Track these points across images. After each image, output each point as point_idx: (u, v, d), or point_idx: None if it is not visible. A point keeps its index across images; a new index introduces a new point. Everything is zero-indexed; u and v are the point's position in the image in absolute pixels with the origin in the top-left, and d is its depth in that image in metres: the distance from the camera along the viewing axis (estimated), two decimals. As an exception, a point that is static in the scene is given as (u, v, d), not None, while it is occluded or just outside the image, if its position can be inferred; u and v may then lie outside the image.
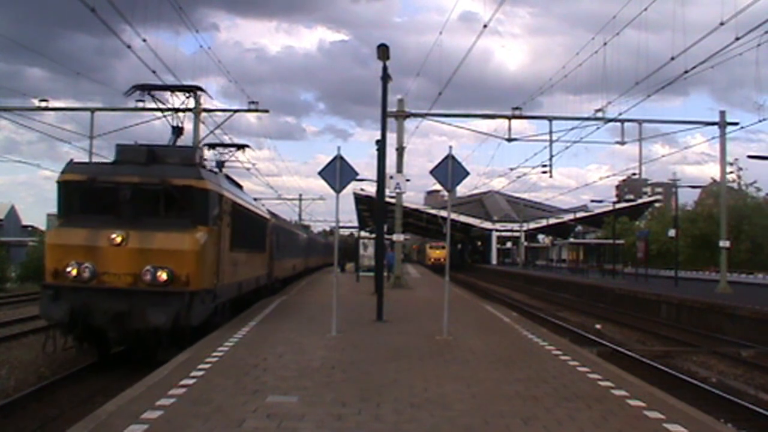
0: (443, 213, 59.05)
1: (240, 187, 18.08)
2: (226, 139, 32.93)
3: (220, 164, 19.63)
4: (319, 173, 13.50)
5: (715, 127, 30.57)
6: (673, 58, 22.11)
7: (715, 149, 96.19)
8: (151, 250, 11.48)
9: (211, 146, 21.41)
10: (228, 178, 16.68)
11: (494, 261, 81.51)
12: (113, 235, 11.41)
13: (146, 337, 11.49)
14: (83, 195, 12.00)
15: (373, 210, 58.06)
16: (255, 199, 21.77)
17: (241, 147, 21.14)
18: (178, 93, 14.42)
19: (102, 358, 12.28)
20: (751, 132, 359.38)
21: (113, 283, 11.40)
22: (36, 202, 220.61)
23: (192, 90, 14.56)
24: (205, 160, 16.34)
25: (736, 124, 30.89)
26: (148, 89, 14.09)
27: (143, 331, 11.33)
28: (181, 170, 12.35)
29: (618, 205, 64.36)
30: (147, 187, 11.92)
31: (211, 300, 12.66)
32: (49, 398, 10.05)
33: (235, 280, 15.16)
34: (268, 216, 23.24)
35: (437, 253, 79.19)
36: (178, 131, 14.44)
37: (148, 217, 11.82)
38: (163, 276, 11.36)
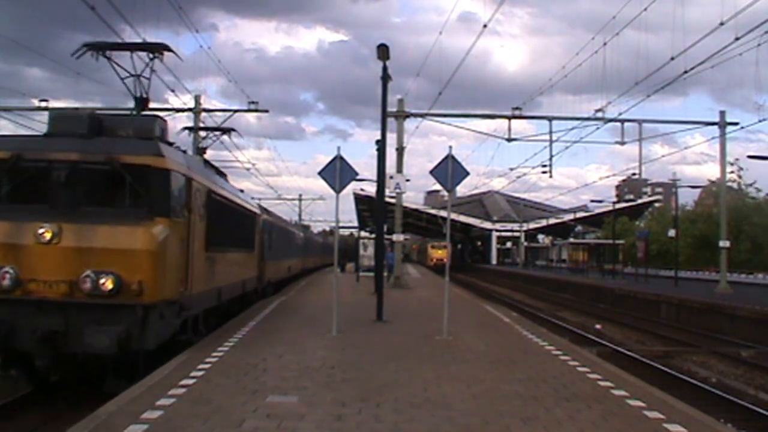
0: (443, 213, 59.06)
1: (223, 175, 16.00)
2: (226, 140, 32.34)
3: (201, 150, 17.14)
4: (319, 173, 13.51)
5: (715, 127, 30.64)
6: (672, 58, 22.16)
7: (715, 149, 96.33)
8: (92, 250, 8.93)
9: (191, 129, 18.84)
10: (206, 162, 14.44)
11: (494, 261, 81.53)
12: (42, 230, 8.85)
13: (86, 365, 9.16)
14: (5, 177, 9.40)
15: (373, 210, 58.07)
16: (241, 191, 19.29)
17: (226, 131, 19.29)
18: (138, 53, 11.55)
19: (39, 389, 9.82)
20: (750, 132, 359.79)
21: (42, 294, 8.84)
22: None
23: (155, 49, 11.61)
24: (188, 151, 14.25)
25: (736, 124, 30.98)
26: (100, 49, 11.24)
27: (81, 357, 8.91)
28: (135, 145, 9.71)
29: (618, 205, 64.38)
30: (88, 167, 9.33)
31: (176, 314, 10.11)
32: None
33: (212, 285, 12.68)
34: (257, 210, 21.11)
35: (440, 253, 73.91)
36: (141, 102, 11.46)
37: (90, 205, 9.28)
38: (107, 284, 8.81)
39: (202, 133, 20.49)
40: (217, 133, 19.13)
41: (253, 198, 23.65)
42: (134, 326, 8.88)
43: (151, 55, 11.50)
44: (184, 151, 11.76)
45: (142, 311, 8.96)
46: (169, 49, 11.77)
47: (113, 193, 9.53)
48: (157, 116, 11.04)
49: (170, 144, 10.89)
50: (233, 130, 19.79)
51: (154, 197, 9.50)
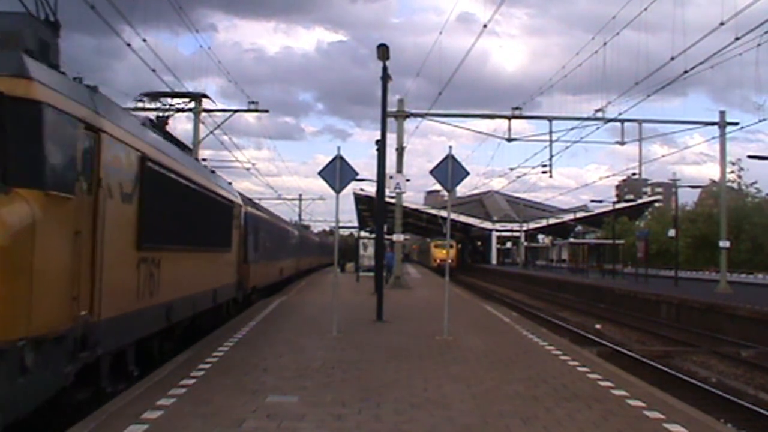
0: (443, 213, 59.02)
1: (187, 149, 12.78)
2: (226, 140, 31.81)
3: (163, 121, 12.96)
4: (319, 173, 13.53)
5: (715, 127, 30.67)
6: (672, 59, 22.19)
7: (714, 149, 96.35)
8: None
9: (152, 96, 14.64)
10: (163, 131, 11.11)
11: (494, 261, 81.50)
12: None
13: None
14: None
15: (373, 210, 58.04)
16: (213, 172, 15.66)
17: (195, 97, 16.57)
18: None
19: None
20: (750, 132, 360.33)
21: None
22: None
23: None
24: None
25: (736, 124, 31.02)
26: None
27: None
28: None
29: (618, 205, 64.36)
30: None
31: (67, 356, 6.19)
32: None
33: (152, 301, 8.89)
34: (237, 200, 17.09)
35: (444, 252, 68.37)
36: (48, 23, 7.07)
37: None
38: None
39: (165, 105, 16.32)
40: (186, 100, 15.04)
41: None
42: None
43: None
44: (94, 88, 7.37)
45: None
46: None
47: None
48: (32, 15, 6.74)
49: (58, 68, 6.70)
50: (206, 96, 17.83)
51: (9, 151, 5.51)
